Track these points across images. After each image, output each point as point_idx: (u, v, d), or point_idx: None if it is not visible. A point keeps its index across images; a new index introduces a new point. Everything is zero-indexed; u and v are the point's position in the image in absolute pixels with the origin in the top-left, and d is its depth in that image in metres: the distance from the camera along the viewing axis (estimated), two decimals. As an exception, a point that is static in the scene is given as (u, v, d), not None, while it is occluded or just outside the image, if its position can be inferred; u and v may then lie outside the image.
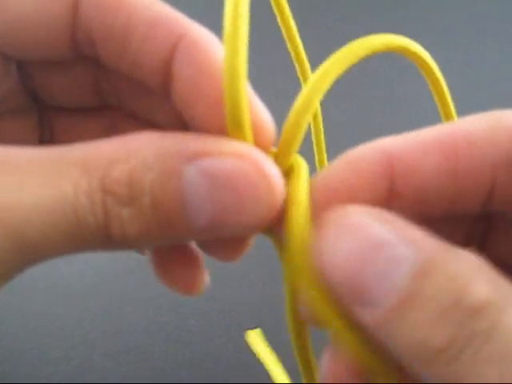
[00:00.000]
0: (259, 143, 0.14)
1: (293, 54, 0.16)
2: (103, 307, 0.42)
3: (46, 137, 0.19)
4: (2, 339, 0.40)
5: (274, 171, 0.13)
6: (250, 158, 0.13)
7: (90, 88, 0.18)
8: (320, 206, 0.14)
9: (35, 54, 0.16)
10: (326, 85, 0.14)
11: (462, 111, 0.18)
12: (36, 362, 0.39)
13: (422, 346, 0.11)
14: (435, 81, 0.17)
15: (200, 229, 0.13)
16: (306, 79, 0.16)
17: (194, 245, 0.18)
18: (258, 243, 0.18)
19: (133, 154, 0.12)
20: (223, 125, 0.13)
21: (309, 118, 0.14)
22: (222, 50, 0.13)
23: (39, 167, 0.12)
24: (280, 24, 0.16)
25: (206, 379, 0.38)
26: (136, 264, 0.43)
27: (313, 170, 0.15)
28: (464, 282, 0.11)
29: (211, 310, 0.41)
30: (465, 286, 0.11)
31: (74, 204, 0.12)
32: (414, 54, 0.16)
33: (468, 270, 0.11)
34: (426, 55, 0.17)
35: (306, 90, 0.14)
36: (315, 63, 0.15)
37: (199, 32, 0.15)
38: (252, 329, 0.42)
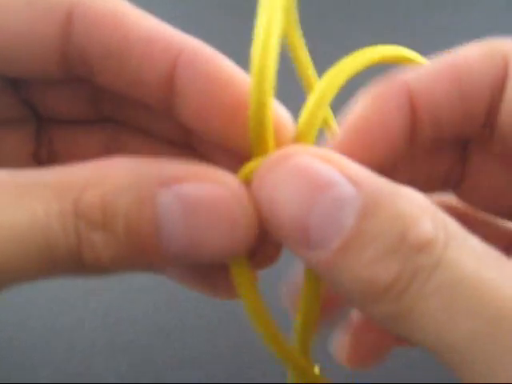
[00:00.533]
0: (280, 145, 0.14)
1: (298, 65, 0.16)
2: (103, 307, 0.42)
3: (43, 149, 0.18)
4: (2, 339, 0.40)
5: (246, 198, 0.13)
6: (224, 183, 0.13)
7: (87, 102, 0.18)
8: (351, 146, 0.14)
9: (25, 73, 0.15)
10: (334, 90, 0.14)
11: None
12: (36, 362, 0.39)
13: (369, 284, 0.11)
14: None
15: (174, 254, 0.13)
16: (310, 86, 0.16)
17: None
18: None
19: (107, 178, 0.12)
20: (242, 134, 0.13)
21: (318, 124, 0.14)
22: (225, 61, 0.14)
23: (11, 189, 0.12)
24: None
25: (206, 379, 0.38)
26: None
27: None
28: (409, 219, 0.11)
29: (211, 309, 0.41)
30: (409, 224, 0.11)
31: (44, 227, 0.12)
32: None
33: (413, 208, 0.11)
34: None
35: (313, 96, 0.14)
36: (322, 66, 0.16)
37: (198, 45, 0.15)
38: (252, 329, 0.42)
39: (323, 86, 0.14)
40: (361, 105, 0.15)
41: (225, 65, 0.14)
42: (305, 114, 0.14)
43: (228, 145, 0.15)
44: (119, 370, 0.39)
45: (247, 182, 0.13)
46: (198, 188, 0.12)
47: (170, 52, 0.14)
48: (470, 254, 0.11)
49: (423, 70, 0.15)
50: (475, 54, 0.15)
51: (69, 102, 0.18)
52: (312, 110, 0.14)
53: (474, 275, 0.11)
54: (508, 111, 0.15)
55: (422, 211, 0.12)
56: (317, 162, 0.12)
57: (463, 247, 0.11)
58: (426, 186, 0.17)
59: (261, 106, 0.12)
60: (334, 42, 0.54)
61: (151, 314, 0.42)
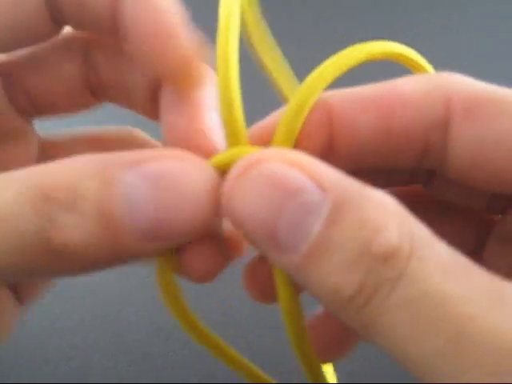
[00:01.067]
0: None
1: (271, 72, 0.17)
2: (103, 307, 0.42)
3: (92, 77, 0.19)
4: (2, 339, 0.40)
5: (210, 169, 0.13)
6: (186, 158, 0.13)
7: (80, 85, 0.18)
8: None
9: (14, 37, 0.15)
10: (321, 87, 0.14)
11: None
12: (36, 362, 0.39)
13: (334, 292, 0.11)
14: None
15: (143, 233, 0.13)
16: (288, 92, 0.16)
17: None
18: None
19: (73, 164, 0.13)
20: (175, 56, 0.14)
21: (302, 119, 0.14)
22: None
23: None
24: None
25: (206, 379, 0.38)
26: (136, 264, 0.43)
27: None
28: (373, 228, 0.11)
29: (211, 309, 0.41)
30: (374, 233, 0.11)
31: (15, 215, 0.12)
32: (413, 62, 0.17)
33: (379, 215, 0.11)
34: (425, 63, 0.17)
35: (300, 91, 0.14)
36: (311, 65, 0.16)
37: None
38: (253, 330, 0.42)
39: (305, 89, 0.14)
40: (274, 116, 0.15)
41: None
42: (284, 118, 0.14)
43: (157, 70, 0.15)
44: (119, 370, 0.39)
45: (221, 169, 0.14)
46: (161, 164, 0.13)
47: None
48: (435, 265, 0.11)
49: (352, 97, 0.15)
50: (413, 92, 0.14)
51: (62, 90, 0.19)
52: (291, 115, 0.14)
53: (437, 288, 0.11)
54: (456, 156, 0.14)
55: (389, 218, 0.11)
56: (285, 167, 0.12)
57: (429, 258, 0.11)
58: (390, 178, 0.16)
59: (229, 99, 0.13)
60: (334, 43, 0.54)
61: (151, 314, 0.42)
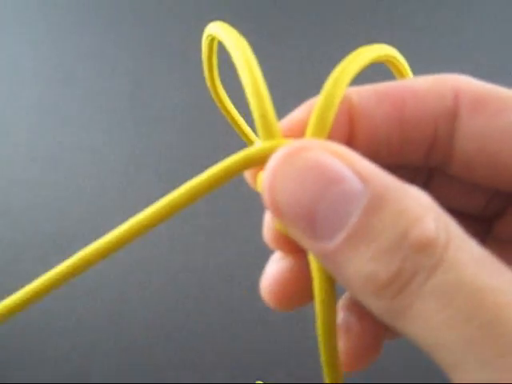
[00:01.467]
0: None
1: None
2: (103, 307, 0.42)
3: None
4: (2, 339, 0.41)
5: None
6: None
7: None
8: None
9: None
10: (347, 80, 0.15)
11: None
12: (36, 362, 0.39)
13: (369, 279, 0.12)
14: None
15: None
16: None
17: None
18: (262, 247, 0.18)
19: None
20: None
21: (334, 111, 0.14)
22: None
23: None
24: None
25: (206, 379, 0.38)
26: (136, 264, 0.43)
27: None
28: (412, 217, 0.11)
29: (211, 310, 0.41)
30: (412, 222, 0.11)
31: None
32: (400, 64, 0.17)
33: (417, 207, 0.12)
34: (406, 67, 0.18)
35: (329, 84, 0.14)
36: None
37: None
38: (254, 330, 0.42)
39: (333, 81, 0.14)
40: (300, 110, 0.16)
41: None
42: (317, 111, 0.14)
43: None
44: (119, 370, 0.39)
45: (257, 162, 0.14)
46: None
47: None
48: (469, 256, 0.11)
49: (368, 91, 0.15)
50: (423, 85, 0.15)
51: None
52: (323, 107, 0.14)
53: (473, 279, 0.11)
54: (462, 149, 0.15)
55: (426, 210, 0.12)
56: (328, 156, 0.12)
57: (463, 250, 0.11)
58: None
59: (259, 93, 0.13)
60: (334, 43, 0.54)
61: (151, 314, 0.42)
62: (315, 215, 0.12)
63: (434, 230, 0.11)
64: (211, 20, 0.17)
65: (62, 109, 0.50)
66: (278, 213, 0.13)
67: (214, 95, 0.18)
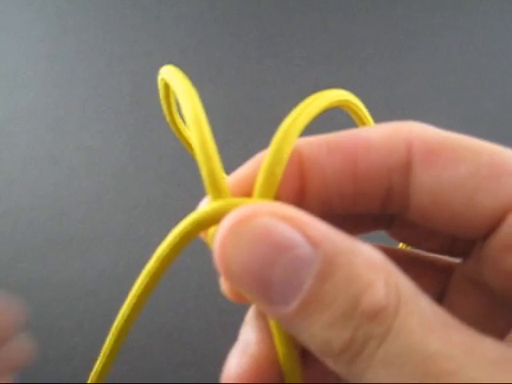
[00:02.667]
0: None
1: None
2: (103, 307, 0.42)
3: None
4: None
5: None
6: None
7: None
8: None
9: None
10: (296, 134, 0.15)
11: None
12: (36, 362, 0.39)
13: (324, 346, 0.12)
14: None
15: None
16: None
17: None
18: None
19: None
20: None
21: (282, 167, 0.14)
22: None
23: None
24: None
25: (206, 379, 0.38)
26: (136, 264, 0.43)
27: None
28: (362, 283, 0.12)
29: (211, 310, 0.41)
30: (363, 289, 0.12)
31: None
32: (361, 112, 0.17)
33: (367, 272, 0.12)
34: (364, 110, 0.18)
35: (277, 139, 0.14)
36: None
37: None
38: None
39: (281, 136, 0.14)
40: (249, 165, 0.16)
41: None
42: (265, 168, 0.14)
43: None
44: (119, 370, 0.39)
45: (207, 224, 0.14)
46: None
47: None
48: (419, 321, 0.12)
49: (320, 142, 0.15)
50: (377, 136, 0.15)
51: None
52: (271, 164, 0.14)
53: (421, 345, 0.11)
54: (417, 200, 0.15)
55: (377, 274, 0.12)
56: (276, 221, 0.12)
57: (413, 314, 0.12)
58: (356, 225, 0.17)
59: (206, 152, 0.13)
60: (334, 43, 0.54)
61: (151, 314, 0.42)
62: (268, 282, 0.12)
63: (383, 296, 0.12)
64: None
65: (62, 109, 0.50)
66: (232, 281, 0.13)
67: (175, 132, 0.18)
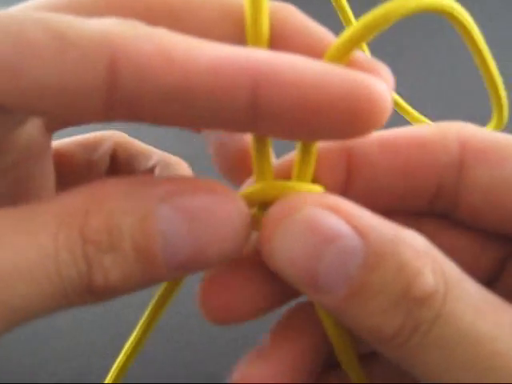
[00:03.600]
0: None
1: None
2: (103, 307, 0.42)
3: None
4: (2, 339, 0.40)
5: (242, 202, 0.13)
6: (219, 191, 0.13)
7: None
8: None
9: (65, 119, 0.15)
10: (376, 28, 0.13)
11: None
12: (36, 362, 0.39)
13: (374, 332, 0.12)
14: (478, 51, 0.16)
15: (181, 264, 0.13)
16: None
17: None
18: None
19: (106, 200, 0.12)
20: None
21: (314, 157, 0.14)
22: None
23: (14, 224, 0.12)
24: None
25: (206, 379, 0.38)
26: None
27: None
28: (410, 272, 0.12)
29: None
30: (411, 277, 0.12)
31: (55, 260, 0.12)
32: (457, 19, 0.16)
33: (415, 260, 0.12)
34: (470, 22, 0.16)
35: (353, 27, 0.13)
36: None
37: (275, 60, 0.12)
38: (254, 329, 0.42)
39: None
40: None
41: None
42: (296, 155, 0.15)
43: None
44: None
45: (250, 202, 0.14)
46: (196, 198, 0.13)
47: (245, 76, 0.11)
48: (467, 305, 0.12)
49: (372, 140, 0.15)
50: (428, 135, 0.15)
51: None
52: (300, 153, 0.15)
53: (471, 328, 0.12)
54: (468, 198, 0.15)
55: (424, 261, 0.12)
56: (323, 213, 0.12)
57: (461, 299, 0.12)
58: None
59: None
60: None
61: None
62: (316, 273, 0.12)
63: (432, 283, 0.12)
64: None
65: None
66: (279, 272, 0.13)
67: None
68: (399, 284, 0.12)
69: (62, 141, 0.22)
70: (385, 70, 0.13)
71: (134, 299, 0.44)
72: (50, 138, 0.19)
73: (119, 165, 0.23)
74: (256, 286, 0.15)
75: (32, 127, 0.17)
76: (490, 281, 0.16)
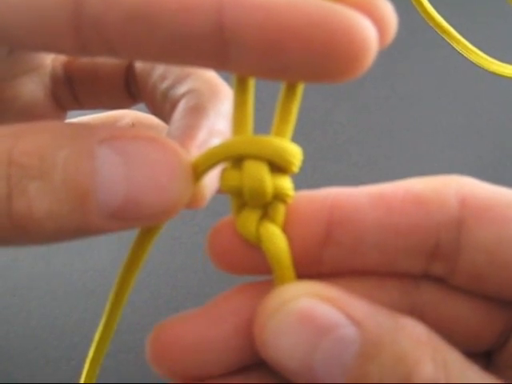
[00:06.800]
0: None
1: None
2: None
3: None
4: (2, 339, 0.40)
5: (183, 155, 0.13)
6: (160, 141, 0.13)
7: (120, 85, 0.20)
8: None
9: (33, 46, 0.14)
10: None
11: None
12: (36, 362, 0.39)
13: None
14: None
15: (114, 211, 0.12)
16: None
17: None
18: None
19: (43, 129, 0.12)
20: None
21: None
22: None
23: None
24: None
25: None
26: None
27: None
28: (411, 362, 0.11)
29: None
30: (412, 367, 0.11)
31: None
32: None
33: (414, 349, 0.11)
34: None
35: None
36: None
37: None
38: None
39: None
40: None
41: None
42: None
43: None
44: (119, 370, 0.39)
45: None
46: (136, 142, 0.12)
47: None
48: None
49: (361, 193, 0.14)
50: (425, 189, 0.14)
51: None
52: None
53: None
54: (469, 260, 0.14)
55: (423, 350, 0.12)
56: (317, 303, 0.12)
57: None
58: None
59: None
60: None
61: (151, 314, 0.42)
62: (312, 366, 0.12)
63: (433, 372, 0.11)
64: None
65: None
66: (274, 365, 0.12)
67: None
68: (399, 374, 0.11)
69: (83, 118, 0.22)
70: (383, 7, 0.11)
71: (134, 299, 0.44)
72: (64, 116, 0.20)
73: None
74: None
75: (33, 89, 0.18)
76: (498, 347, 0.15)
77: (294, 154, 0.13)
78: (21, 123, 0.12)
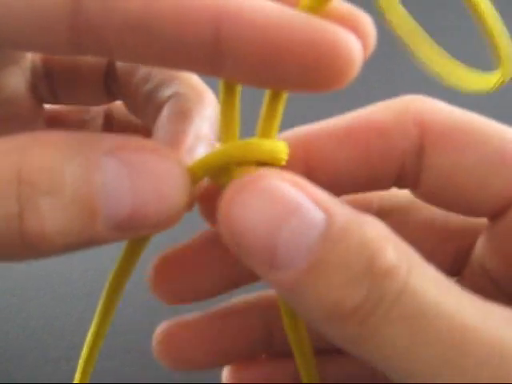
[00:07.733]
0: None
1: None
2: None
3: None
4: (1, 339, 0.40)
5: (185, 167, 0.13)
6: (165, 153, 0.13)
7: (100, 81, 0.20)
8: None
9: (30, 47, 0.14)
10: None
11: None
12: (36, 362, 0.39)
13: (335, 306, 0.12)
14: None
15: (120, 223, 0.13)
16: None
17: None
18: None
19: (49, 142, 0.12)
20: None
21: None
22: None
23: None
24: None
25: (206, 379, 0.38)
26: (136, 264, 0.43)
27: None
28: (375, 247, 0.12)
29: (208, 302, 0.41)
30: (376, 251, 0.12)
31: None
32: None
33: (378, 237, 0.12)
34: None
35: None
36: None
37: None
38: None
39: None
40: None
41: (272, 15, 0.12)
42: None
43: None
44: (119, 370, 0.39)
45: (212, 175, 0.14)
46: (142, 155, 0.13)
47: (208, 11, 0.11)
48: (429, 281, 0.12)
49: (329, 134, 0.15)
50: (386, 120, 0.15)
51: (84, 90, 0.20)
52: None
53: (435, 303, 0.11)
54: (429, 181, 0.15)
55: (386, 239, 0.12)
56: (286, 185, 0.12)
57: (424, 275, 0.12)
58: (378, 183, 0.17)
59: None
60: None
61: (151, 314, 0.42)
62: (274, 244, 0.12)
63: (396, 257, 0.12)
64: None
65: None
66: (235, 242, 0.12)
67: None
68: (363, 257, 0.12)
69: (55, 106, 0.22)
70: (364, 22, 0.12)
71: (134, 299, 0.44)
72: (41, 110, 0.20)
73: (116, 121, 0.23)
74: (208, 268, 0.15)
75: (15, 81, 0.18)
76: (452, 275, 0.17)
77: (282, 151, 0.14)
78: (21, 134, 0.12)
